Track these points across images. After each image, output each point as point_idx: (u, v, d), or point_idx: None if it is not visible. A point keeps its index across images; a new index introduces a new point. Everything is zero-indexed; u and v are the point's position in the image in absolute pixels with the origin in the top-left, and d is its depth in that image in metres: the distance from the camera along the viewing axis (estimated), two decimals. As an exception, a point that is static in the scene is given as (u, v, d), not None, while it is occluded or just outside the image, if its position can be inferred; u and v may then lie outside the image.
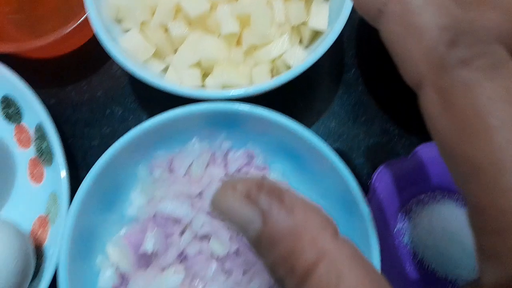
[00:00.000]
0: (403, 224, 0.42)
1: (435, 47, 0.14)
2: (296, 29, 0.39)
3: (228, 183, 0.17)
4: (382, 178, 0.42)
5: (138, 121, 0.45)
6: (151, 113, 0.46)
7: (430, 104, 0.15)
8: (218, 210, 0.17)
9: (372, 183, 0.40)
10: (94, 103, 0.46)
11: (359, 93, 0.46)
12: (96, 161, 0.42)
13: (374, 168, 0.43)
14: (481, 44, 0.14)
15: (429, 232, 0.41)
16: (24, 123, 0.44)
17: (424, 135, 0.44)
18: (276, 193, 0.17)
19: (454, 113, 0.14)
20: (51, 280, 0.38)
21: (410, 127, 0.45)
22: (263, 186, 0.17)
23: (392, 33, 0.16)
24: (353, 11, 0.37)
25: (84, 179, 0.34)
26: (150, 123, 0.35)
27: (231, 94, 0.35)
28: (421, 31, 0.15)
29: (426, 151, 0.40)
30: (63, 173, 0.40)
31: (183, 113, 0.35)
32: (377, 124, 0.45)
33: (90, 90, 0.47)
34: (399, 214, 0.43)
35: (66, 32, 0.41)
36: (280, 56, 0.37)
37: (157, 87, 0.35)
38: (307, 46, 0.40)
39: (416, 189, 0.43)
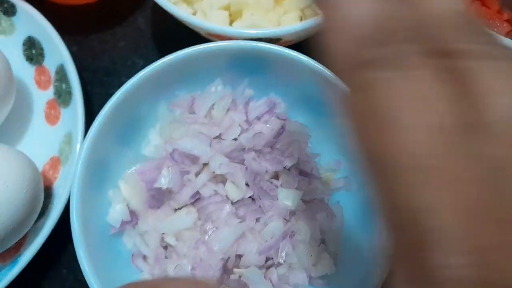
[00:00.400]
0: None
1: (353, 43, 0.14)
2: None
3: None
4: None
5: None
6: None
7: (348, 100, 0.15)
8: None
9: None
10: (116, 53, 0.46)
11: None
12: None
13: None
14: (403, 43, 0.14)
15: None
16: (46, 64, 0.43)
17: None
18: None
19: (366, 112, 0.14)
20: (58, 219, 0.37)
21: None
22: None
23: (326, 17, 0.16)
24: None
25: (102, 109, 0.33)
26: (172, 58, 0.34)
27: (259, 33, 0.34)
28: (347, 23, 0.15)
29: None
30: (80, 112, 0.39)
31: (206, 49, 0.34)
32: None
33: (113, 40, 0.47)
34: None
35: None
36: (310, 4, 0.37)
37: (188, 22, 0.35)
38: None
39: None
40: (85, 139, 0.33)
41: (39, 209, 0.37)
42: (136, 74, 0.34)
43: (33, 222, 0.36)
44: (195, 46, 0.34)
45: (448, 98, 0.13)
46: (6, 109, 0.40)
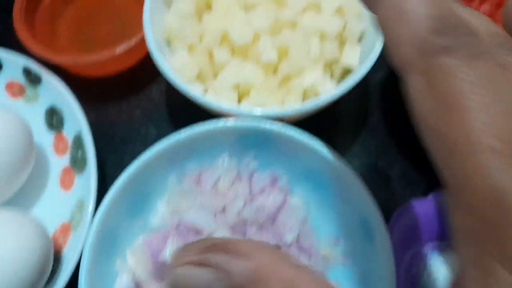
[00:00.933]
0: (417, 269, 0.42)
1: (421, 33, 0.15)
2: (329, 66, 0.42)
3: (176, 260, 0.19)
4: (399, 220, 0.42)
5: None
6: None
7: (414, 87, 0.16)
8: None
9: (389, 225, 0.40)
10: (131, 122, 0.49)
11: (381, 136, 0.48)
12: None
13: (394, 209, 0.43)
14: (464, 36, 0.15)
15: (445, 281, 0.40)
16: (64, 132, 0.47)
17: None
18: (227, 245, 0.18)
19: (436, 96, 0.15)
20: (65, 285, 0.38)
21: (431, 173, 0.46)
22: (209, 245, 0.18)
23: (385, 17, 0.17)
24: (381, 58, 0.40)
25: (115, 182, 0.35)
26: (184, 134, 0.37)
27: (263, 113, 0.37)
28: (410, 17, 0.16)
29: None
30: (93, 180, 0.42)
31: (216, 127, 0.37)
32: (398, 167, 0.46)
33: (129, 110, 0.50)
34: (415, 259, 0.42)
35: (118, 52, 0.45)
36: (312, 86, 0.40)
37: (199, 101, 0.38)
38: (337, 83, 0.43)
39: (433, 234, 0.43)
40: (98, 210, 0.35)
41: (47, 275, 0.38)
42: (149, 149, 0.36)
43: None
44: (205, 123, 0.37)
45: None
46: (25, 173, 0.43)
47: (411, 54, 0.16)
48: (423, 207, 0.43)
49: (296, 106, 0.37)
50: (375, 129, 0.48)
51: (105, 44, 0.50)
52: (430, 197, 0.43)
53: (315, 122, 0.39)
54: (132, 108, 0.50)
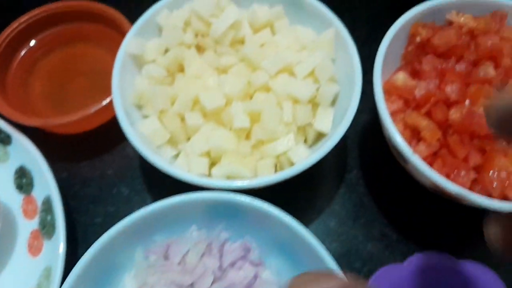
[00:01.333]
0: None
1: None
2: (302, 129, 0.42)
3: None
4: (378, 283, 0.41)
5: (143, 203, 0.47)
6: (156, 197, 0.47)
7: None
8: None
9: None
10: (103, 181, 0.48)
11: (360, 194, 0.47)
12: (96, 239, 0.42)
13: (371, 272, 0.42)
14: None
15: None
16: (34, 194, 0.45)
17: (421, 243, 0.44)
18: None
19: None
20: None
21: (409, 234, 0.45)
22: None
23: None
24: (357, 115, 0.39)
25: (80, 260, 0.34)
26: (151, 209, 0.36)
27: (234, 185, 0.36)
28: None
29: (424, 259, 0.39)
30: (61, 249, 0.40)
31: (184, 200, 0.36)
32: (377, 227, 0.46)
33: (102, 168, 0.49)
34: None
35: (88, 113, 0.44)
36: (285, 152, 0.39)
37: (166, 173, 0.37)
38: (311, 146, 0.42)
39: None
40: (64, 284, 0.33)
41: None
42: (117, 224, 0.35)
43: None
44: (174, 196, 0.36)
45: None
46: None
47: None
48: (400, 272, 0.42)
49: (268, 177, 0.36)
50: (354, 186, 0.48)
51: (80, 100, 0.50)
52: (407, 261, 0.42)
53: (292, 181, 0.38)
54: (105, 166, 0.49)
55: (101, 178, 0.48)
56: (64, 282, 0.34)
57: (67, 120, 0.44)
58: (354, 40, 0.42)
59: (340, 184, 0.47)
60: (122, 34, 0.49)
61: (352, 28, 0.45)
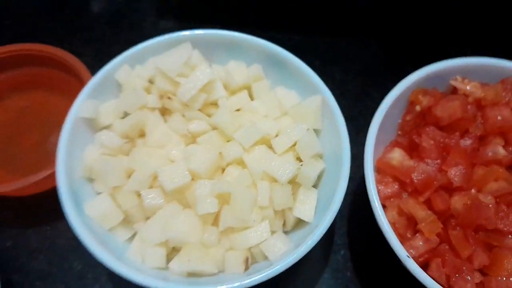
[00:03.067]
0: None
1: None
2: (281, 213, 0.36)
3: None
4: None
5: (97, 281, 0.41)
6: (112, 274, 0.41)
7: None
8: None
9: None
10: (53, 252, 0.42)
11: (347, 280, 0.41)
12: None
13: None
14: None
15: None
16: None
17: None
18: None
19: None
20: None
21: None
22: None
23: None
24: (345, 199, 0.34)
25: None
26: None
27: (195, 290, 0.30)
28: None
29: None
30: None
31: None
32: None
33: (53, 237, 0.43)
34: None
35: (36, 179, 0.38)
36: (258, 244, 0.33)
37: (114, 271, 0.31)
38: (289, 231, 0.36)
39: None
40: None
41: None
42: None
43: None
44: None
45: None
46: None
47: None
48: None
49: (237, 284, 0.30)
50: (341, 270, 0.41)
51: (32, 156, 0.44)
52: None
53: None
54: (56, 235, 0.43)
55: (51, 249, 0.42)
56: None
57: (7, 189, 0.38)
58: (345, 97, 0.37)
59: (325, 268, 0.41)
60: (79, 79, 0.43)
61: (343, 82, 0.39)
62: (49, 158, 0.39)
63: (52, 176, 0.39)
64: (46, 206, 0.43)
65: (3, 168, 0.43)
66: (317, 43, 0.52)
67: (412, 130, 0.39)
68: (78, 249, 0.42)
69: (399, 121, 0.40)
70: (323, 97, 0.37)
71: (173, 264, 0.33)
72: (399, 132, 0.40)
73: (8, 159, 0.44)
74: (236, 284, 0.30)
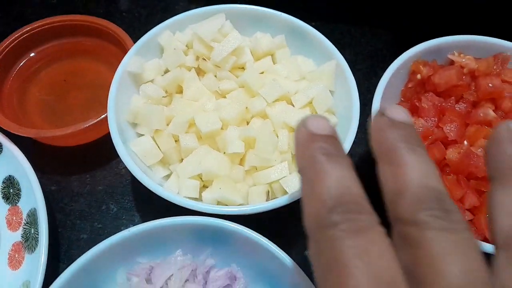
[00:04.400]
0: None
1: (320, 210, 0.19)
2: (297, 158, 0.41)
3: None
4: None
5: (130, 222, 0.46)
6: (145, 216, 0.46)
7: (311, 252, 0.19)
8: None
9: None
10: (92, 196, 0.47)
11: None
12: (80, 255, 0.41)
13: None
14: (351, 214, 0.18)
15: None
16: (19, 205, 0.44)
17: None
18: None
19: (321, 260, 0.18)
20: None
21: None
22: None
23: (303, 192, 0.21)
24: (354, 147, 0.39)
25: (59, 277, 0.33)
26: (136, 230, 0.35)
27: (225, 210, 0.35)
28: (315, 197, 0.19)
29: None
30: (42, 264, 0.39)
31: (171, 223, 0.35)
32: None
33: (92, 183, 0.48)
34: None
35: (83, 127, 0.44)
36: (278, 180, 0.38)
37: (156, 193, 0.36)
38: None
39: None
40: None
41: None
42: (101, 243, 0.34)
43: None
44: (162, 219, 0.35)
45: (393, 256, 0.17)
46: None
47: (312, 225, 0.19)
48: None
49: (259, 205, 0.36)
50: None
51: (77, 114, 0.49)
52: None
53: (283, 210, 0.38)
54: (95, 182, 0.48)
55: (90, 193, 0.47)
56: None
57: (61, 133, 0.44)
58: (354, 74, 0.42)
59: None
60: (124, 51, 0.49)
61: (353, 62, 0.45)
62: (93, 115, 0.45)
63: (94, 129, 0.44)
64: (86, 158, 0.49)
65: (52, 123, 0.49)
66: (331, 29, 0.58)
67: (413, 96, 0.44)
68: (114, 195, 0.47)
69: (402, 88, 0.45)
70: (337, 62, 0.43)
71: (206, 194, 0.38)
72: (402, 99, 0.45)
73: (57, 114, 0.49)
74: (257, 206, 0.36)
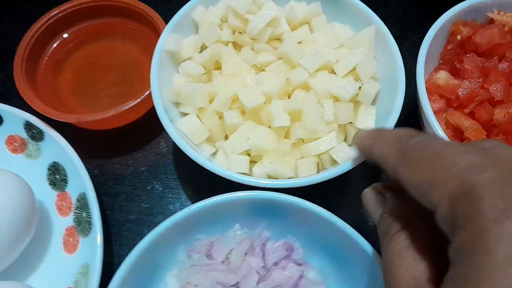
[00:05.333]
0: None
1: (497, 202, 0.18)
2: (342, 128, 0.41)
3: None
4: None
5: (177, 200, 0.46)
6: (190, 194, 0.47)
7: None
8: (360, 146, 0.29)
9: None
10: (136, 177, 0.48)
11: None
12: (130, 236, 0.42)
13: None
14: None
15: None
16: (68, 191, 0.45)
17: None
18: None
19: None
20: None
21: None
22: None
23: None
24: (401, 116, 0.39)
25: (125, 260, 0.34)
26: (194, 208, 0.35)
27: (278, 184, 0.36)
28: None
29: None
30: (100, 246, 0.40)
31: (228, 199, 0.36)
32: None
33: (135, 165, 0.48)
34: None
35: (124, 109, 0.43)
36: (327, 151, 0.39)
37: (210, 170, 0.36)
38: (351, 145, 0.42)
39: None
40: (110, 284, 0.33)
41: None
42: (161, 223, 0.35)
43: None
44: (217, 197, 0.35)
45: None
46: (27, 238, 0.41)
47: (492, 217, 0.18)
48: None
49: (313, 177, 0.36)
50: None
51: (109, 96, 0.49)
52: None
53: (333, 180, 0.38)
54: (137, 163, 0.48)
55: (134, 175, 0.48)
56: (110, 283, 0.33)
57: (101, 116, 0.44)
58: None
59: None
60: (154, 30, 0.48)
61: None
62: (126, 97, 0.44)
63: (133, 111, 0.44)
64: (125, 140, 0.50)
65: (87, 106, 0.49)
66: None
67: (453, 58, 0.44)
68: (158, 175, 0.48)
69: (440, 51, 0.45)
70: (376, 27, 0.42)
71: (256, 168, 0.39)
72: (441, 61, 0.45)
73: (90, 96, 0.49)
74: (310, 178, 0.36)
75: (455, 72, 0.43)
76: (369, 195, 0.29)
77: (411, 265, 0.22)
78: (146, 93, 0.44)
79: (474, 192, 0.18)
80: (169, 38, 0.42)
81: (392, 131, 0.27)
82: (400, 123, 0.49)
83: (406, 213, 0.25)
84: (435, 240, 0.23)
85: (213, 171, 0.37)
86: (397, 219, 0.25)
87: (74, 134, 0.47)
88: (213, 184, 0.38)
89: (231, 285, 0.35)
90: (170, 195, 0.47)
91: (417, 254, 0.23)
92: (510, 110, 0.39)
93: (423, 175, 0.21)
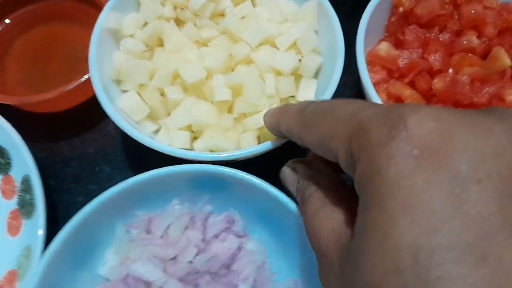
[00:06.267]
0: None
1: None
2: (285, 101, 0.41)
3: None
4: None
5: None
6: (138, 174, 0.46)
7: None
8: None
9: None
10: (84, 159, 0.47)
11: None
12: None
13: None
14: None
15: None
16: (12, 174, 0.44)
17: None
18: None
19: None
20: None
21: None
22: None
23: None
24: (341, 89, 0.39)
25: (57, 235, 0.33)
26: (130, 182, 0.35)
27: (217, 156, 0.35)
28: None
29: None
30: (41, 227, 0.39)
31: (165, 173, 0.35)
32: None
33: (82, 147, 0.48)
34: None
35: (67, 90, 0.43)
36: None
37: (148, 146, 0.36)
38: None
39: None
40: (38, 265, 0.33)
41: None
42: (95, 198, 0.34)
43: None
44: (155, 170, 0.35)
45: None
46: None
47: None
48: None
49: (251, 148, 0.36)
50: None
51: (58, 80, 0.48)
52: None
53: (275, 152, 0.38)
54: (85, 145, 0.48)
55: (82, 157, 0.47)
56: (41, 258, 0.33)
57: (45, 97, 0.43)
58: (338, 14, 0.42)
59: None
60: (99, 10, 0.47)
61: (334, 4, 0.44)
62: (72, 78, 0.44)
63: (78, 91, 0.44)
64: (74, 122, 0.49)
65: (33, 90, 0.48)
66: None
67: (396, 30, 0.44)
68: (106, 156, 0.47)
69: (385, 24, 0.45)
70: (318, 1, 0.42)
71: (197, 144, 0.38)
72: (386, 34, 0.45)
73: (38, 82, 0.48)
74: (249, 150, 0.36)
75: (399, 44, 0.43)
76: (285, 172, 0.31)
77: (328, 220, 0.24)
78: (88, 75, 0.43)
79: (362, 128, 0.20)
80: (110, 15, 0.41)
81: (293, 105, 0.29)
82: (347, 97, 0.50)
83: (316, 177, 0.28)
84: (347, 195, 0.24)
85: (152, 147, 0.36)
86: (309, 185, 0.27)
87: (21, 118, 0.46)
88: (160, 163, 0.37)
89: (169, 259, 0.35)
90: (118, 176, 0.46)
91: (331, 210, 0.24)
92: (447, 79, 0.39)
93: (321, 132, 0.23)
